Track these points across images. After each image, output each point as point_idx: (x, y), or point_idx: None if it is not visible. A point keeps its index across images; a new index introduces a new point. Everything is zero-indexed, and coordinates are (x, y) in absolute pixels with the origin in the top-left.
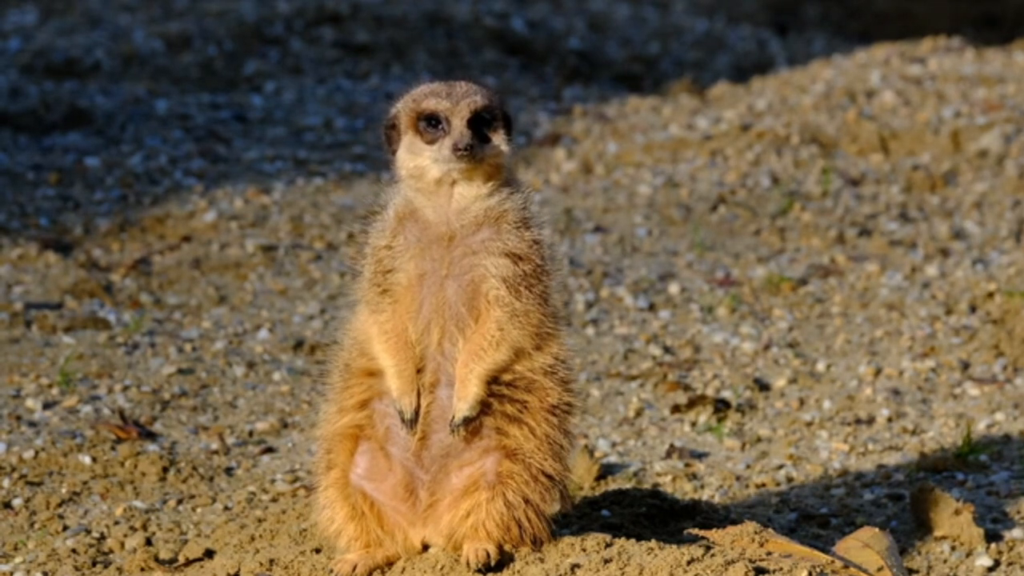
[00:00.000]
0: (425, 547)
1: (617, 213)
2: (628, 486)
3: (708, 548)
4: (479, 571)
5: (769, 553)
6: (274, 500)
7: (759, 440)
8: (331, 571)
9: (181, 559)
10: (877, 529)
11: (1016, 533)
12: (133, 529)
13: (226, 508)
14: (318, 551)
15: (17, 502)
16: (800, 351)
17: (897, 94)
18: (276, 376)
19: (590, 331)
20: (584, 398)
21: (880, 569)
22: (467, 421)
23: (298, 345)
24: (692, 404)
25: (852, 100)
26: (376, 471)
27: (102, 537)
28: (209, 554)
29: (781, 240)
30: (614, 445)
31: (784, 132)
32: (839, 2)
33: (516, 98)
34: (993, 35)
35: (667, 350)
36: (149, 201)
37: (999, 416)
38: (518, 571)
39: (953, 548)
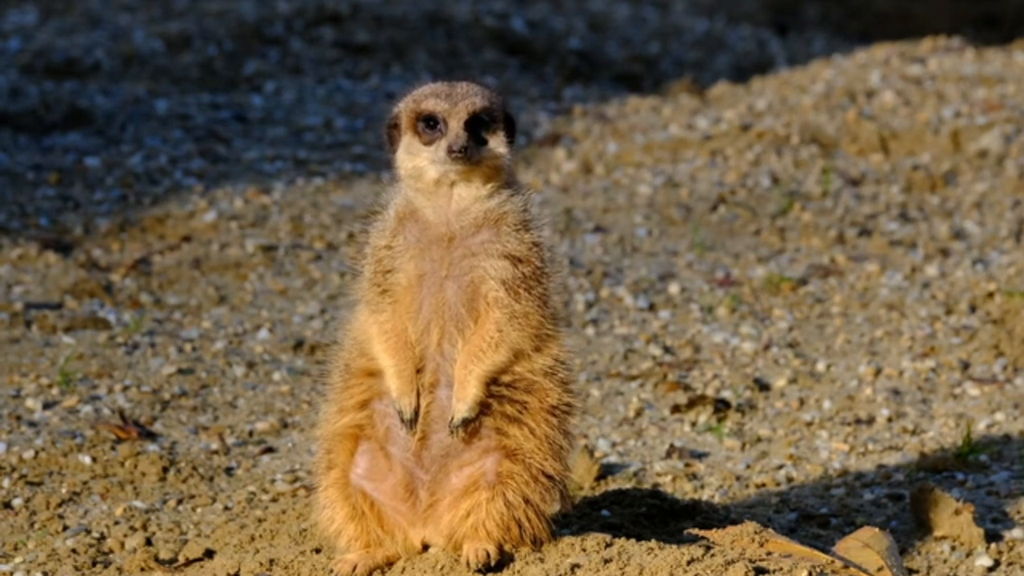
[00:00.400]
0: (425, 547)
1: (617, 213)
2: (628, 486)
3: (708, 548)
4: (479, 571)
5: (769, 553)
6: (274, 500)
7: (759, 440)
8: (331, 571)
9: (181, 559)
10: (877, 529)
11: (1016, 533)
12: (133, 529)
13: (226, 508)
14: (318, 551)
15: (17, 502)
16: (800, 351)
17: (897, 94)
18: (276, 376)
19: (590, 331)
20: (584, 398)
21: (880, 569)
22: (466, 422)
23: (298, 345)
24: (692, 404)
25: (852, 100)
26: (376, 471)
27: (102, 537)
28: (209, 554)
29: (781, 240)
30: (614, 445)
31: (784, 132)
32: (839, 2)
33: (516, 98)
34: (993, 35)
35: (667, 350)
36: (149, 201)
37: (999, 416)
38: (518, 571)
39: (953, 548)
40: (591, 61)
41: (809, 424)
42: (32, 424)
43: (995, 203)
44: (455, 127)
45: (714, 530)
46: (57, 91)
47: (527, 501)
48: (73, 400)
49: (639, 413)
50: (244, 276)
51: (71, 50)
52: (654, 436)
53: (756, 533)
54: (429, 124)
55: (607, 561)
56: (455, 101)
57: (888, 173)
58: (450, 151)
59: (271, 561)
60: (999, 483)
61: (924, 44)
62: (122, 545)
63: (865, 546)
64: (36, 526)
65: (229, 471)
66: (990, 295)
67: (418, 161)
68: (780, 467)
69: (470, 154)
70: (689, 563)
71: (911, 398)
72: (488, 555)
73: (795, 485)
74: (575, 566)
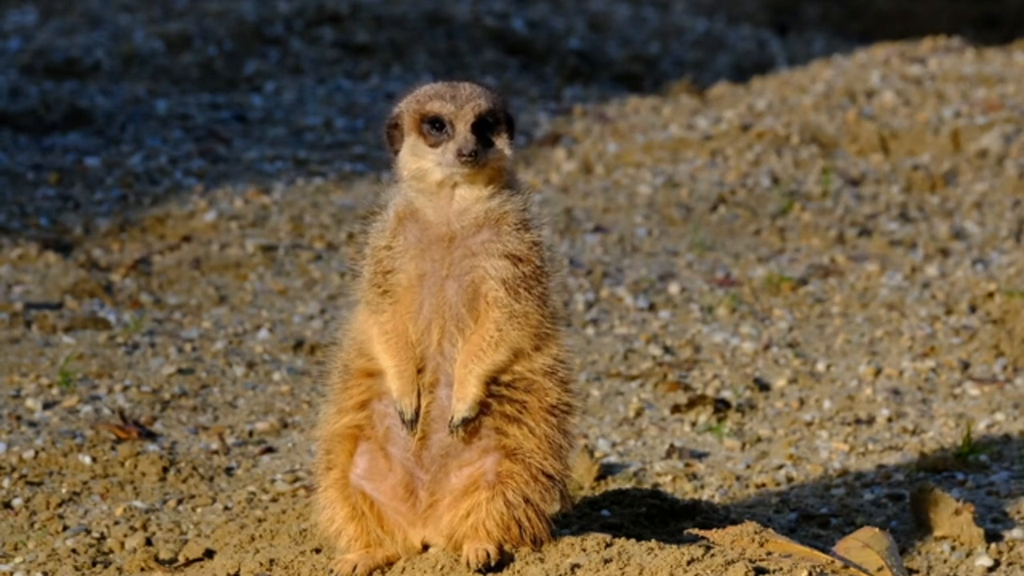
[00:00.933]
0: (425, 547)
1: (617, 213)
2: (628, 486)
3: (708, 548)
4: (479, 571)
5: (769, 553)
6: (274, 500)
7: (759, 440)
8: (331, 571)
9: (181, 559)
10: (877, 529)
11: (1016, 533)
12: (133, 529)
13: (226, 508)
14: (318, 551)
15: (17, 502)
16: (800, 351)
17: (897, 94)
18: (276, 376)
19: (590, 331)
20: (584, 398)
21: (880, 569)
22: (466, 422)
23: (298, 345)
24: (692, 404)
25: (852, 100)
26: (376, 471)
27: (102, 537)
28: (209, 554)
29: (781, 240)
30: (614, 445)
31: (784, 132)
32: (839, 2)
33: (516, 98)
34: (993, 35)
35: (667, 350)
36: (149, 201)
37: (999, 416)
38: (518, 571)
39: (953, 548)
40: (591, 61)
41: (809, 424)
42: (32, 424)
43: (995, 203)
44: (463, 130)
45: (714, 530)
46: (57, 91)
47: (527, 501)
48: (73, 400)
49: (639, 413)
50: (244, 276)
51: (71, 50)
52: (654, 436)
53: (756, 533)
54: (435, 126)
55: (607, 561)
56: (461, 104)
57: (888, 173)
58: (460, 155)
59: (271, 561)
60: (999, 483)
61: (924, 44)
62: (122, 545)
63: (865, 546)
64: (36, 526)
65: (229, 471)
66: (990, 295)
67: (423, 163)
68: (780, 467)
69: (479, 157)
70: (689, 563)
71: (911, 398)
72: (488, 555)
73: (795, 485)
74: (575, 566)
